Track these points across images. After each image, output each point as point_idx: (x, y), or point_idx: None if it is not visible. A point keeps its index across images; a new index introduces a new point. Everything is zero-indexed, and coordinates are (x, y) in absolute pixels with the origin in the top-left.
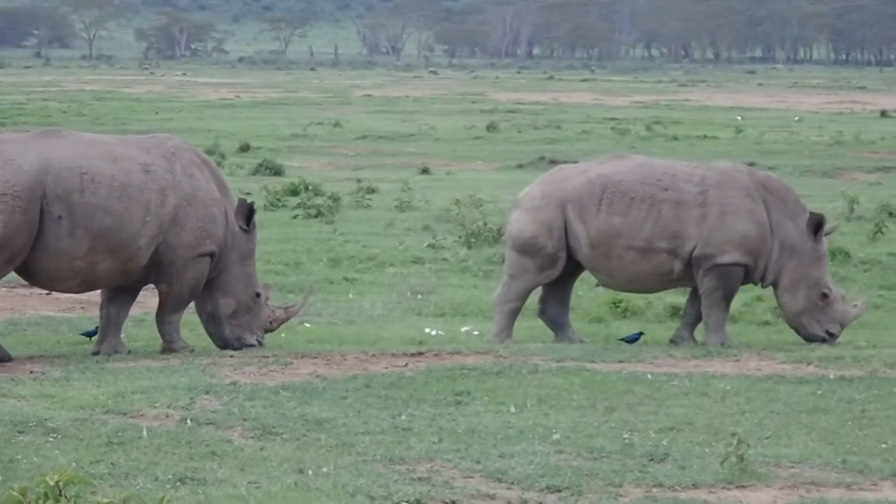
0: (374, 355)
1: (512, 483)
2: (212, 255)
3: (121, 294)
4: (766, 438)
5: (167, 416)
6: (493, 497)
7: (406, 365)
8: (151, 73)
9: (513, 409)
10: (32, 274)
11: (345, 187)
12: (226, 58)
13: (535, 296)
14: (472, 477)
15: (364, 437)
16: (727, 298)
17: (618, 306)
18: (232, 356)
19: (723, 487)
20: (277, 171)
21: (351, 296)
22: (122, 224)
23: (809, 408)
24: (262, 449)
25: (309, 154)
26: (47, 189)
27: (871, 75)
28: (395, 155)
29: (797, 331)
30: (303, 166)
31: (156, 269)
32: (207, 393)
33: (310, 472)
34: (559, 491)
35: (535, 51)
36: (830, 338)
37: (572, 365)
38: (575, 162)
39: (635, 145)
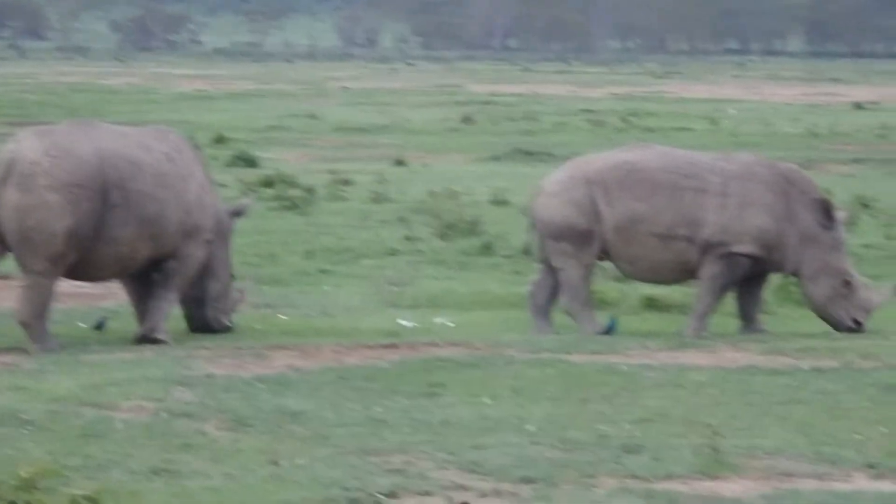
0: (348, 347)
1: (486, 474)
2: (211, 242)
3: (145, 285)
4: (741, 429)
5: (141, 408)
6: (467, 488)
7: (381, 357)
8: (126, 64)
9: (487, 401)
10: (78, 263)
11: (320, 179)
12: (201, 49)
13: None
14: (446, 468)
15: (338, 428)
16: (725, 289)
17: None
18: (206, 348)
19: (697, 478)
20: (252, 163)
21: (326, 288)
22: (163, 211)
23: (784, 399)
24: (236, 441)
25: (284, 146)
26: (106, 177)
27: (846, 67)
28: (370, 147)
29: (825, 319)
30: (278, 158)
31: (170, 255)
32: (182, 385)
33: (284, 463)
34: (533, 482)
35: (512, 43)
36: (858, 326)
37: (547, 356)
38: (550, 154)
39: (612, 137)
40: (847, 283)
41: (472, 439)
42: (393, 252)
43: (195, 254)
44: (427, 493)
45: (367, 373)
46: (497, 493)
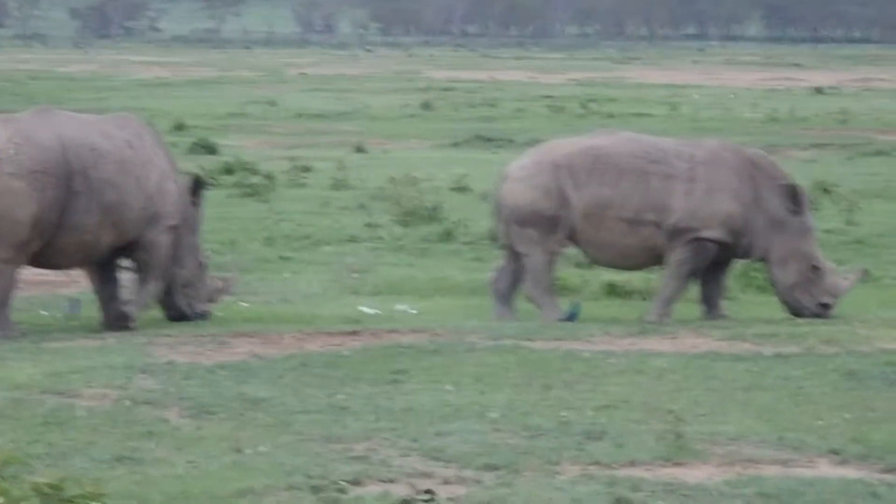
0: (310, 334)
1: (449, 461)
2: (175, 227)
3: (108, 273)
4: (703, 416)
5: (104, 396)
6: (430, 475)
7: (342, 344)
8: (85, 52)
9: (449, 388)
10: (41, 250)
11: (280, 166)
12: (160, 36)
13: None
14: (409, 455)
15: (301, 416)
16: (692, 274)
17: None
18: (168, 335)
19: (659, 465)
20: (212, 150)
21: (287, 275)
22: (124, 198)
23: (746, 385)
24: (199, 428)
25: (244, 133)
26: (70, 165)
27: (806, 52)
28: (330, 133)
29: (788, 305)
30: (238, 145)
31: (134, 243)
32: (144, 372)
33: (247, 451)
34: (496, 469)
35: (470, 28)
36: (824, 309)
37: (509, 343)
38: (510, 140)
39: (571, 123)
40: (815, 269)
41: (435, 426)
42: (353, 239)
43: (160, 240)
44: (390, 481)
45: (329, 360)
46: (460, 480)
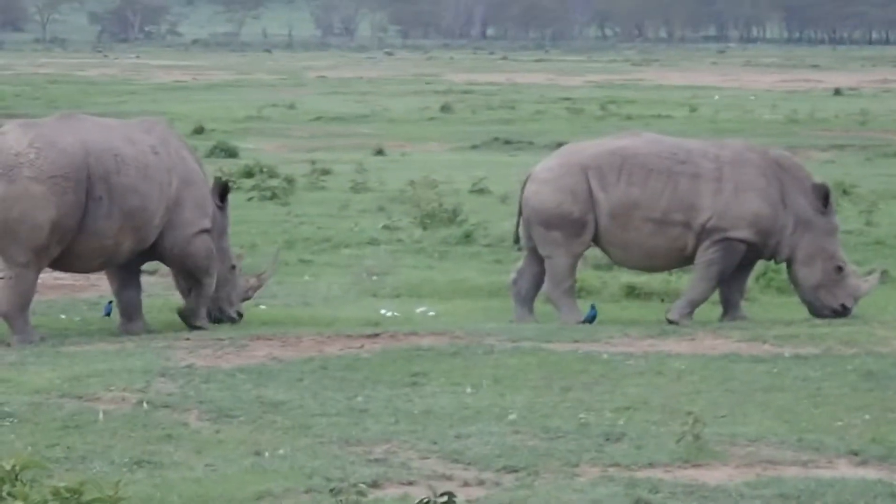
0: (329, 337)
1: (468, 463)
2: (208, 230)
3: (131, 276)
4: (722, 417)
5: (123, 400)
6: (449, 478)
7: (362, 346)
8: (105, 55)
9: (469, 390)
10: (62, 254)
11: (299, 169)
12: (179, 40)
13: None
14: (428, 458)
15: (320, 418)
16: (721, 275)
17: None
18: (187, 339)
19: (679, 466)
20: (232, 154)
21: (306, 277)
22: (146, 204)
23: (765, 386)
24: (218, 431)
25: (263, 136)
26: (91, 170)
27: (825, 53)
28: (349, 136)
29: (811, 305)
30: (257, 148)
31: (158, 249)
32: (163, 376)
33: (266, 454)
34: (516, 471)
35: (489, 31)
36: (845, 311)
37: (528, 345)
38: (529, 142)
39: (590, 125)
40: (839, 269)
41: (455, 429)
42: (373, 241)
43: (191, 246)
44: (409, 483)
45: (349, 362)
46: (480, 483)
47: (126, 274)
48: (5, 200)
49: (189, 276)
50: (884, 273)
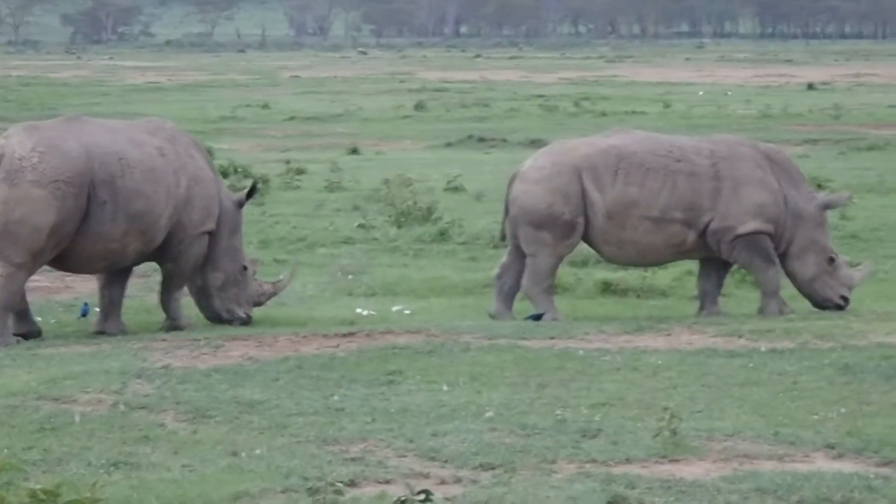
0: (305, 336)
1: (445, 461)
2: (211, 232)
3: (120, 275)
4: (699, 412)
5: (99, 401)
6: (426, 476)
7: (338, 345)
8: (78, 57)
9: (445, 388)
10: (65, 256)
11: (274, 169)
12: (153, 41)
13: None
14: (405, 456)
15: (297, 418)
16: (769, 261)
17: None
18: (164, 340)
19: (656, 462)
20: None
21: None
22: (152, 206)
23: (741, 381)
24: (194, 432)
25: (237, 136)
26: (94, 174)
27: (798, 48)
28: (323, 136)
29: (810, 297)
30: (231, 148)
31: (164, 249)
32: (139, 377)
33: (243, 454)
34: (493, 468)
35: (463, 29)
36: (844, 302)
37: (504, 342)
38: (503, 140)
39: (564, 122)
40: (831, 261)
41: (431, 427)
42: (348, 240)
43: (190, 250)
44: (386, 482)
45: (325, 362)
46: (457, 480)
47: (115, 271)
48: (7, 203)
49: (169, 278)
50: (874, 264)
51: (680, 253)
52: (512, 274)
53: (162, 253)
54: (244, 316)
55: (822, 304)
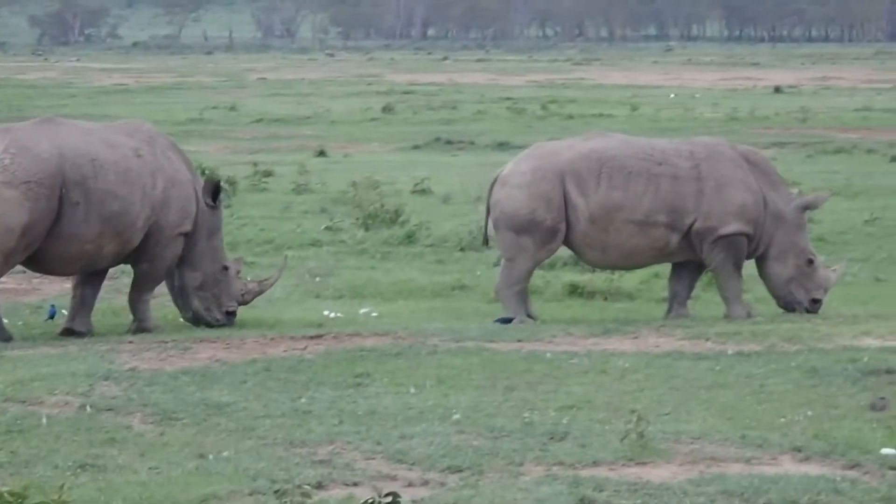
0: (273, 339)
1: (413, 464)
2: (187, 234)
3: (94, 276)
4: (666, 415)
5: (66, 403)
6: (394, 478)
7: (305, 348)
8: (45, 59)
9: (413, 390)
10: (40, 258)
11: (241, 171)
12: (120, 43)
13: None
14: (373, 458)
15: (264, 420)
16: (738, 267)
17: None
18: (131, 342)
19: (623, 464)
20: None
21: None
22: (127, 208)
23: (708, 383)
24: (162, 434)
25: (205, 138)
26: (66, 176)
27: (765, 51)
28: (291, 138)
29: (782, 299)
30: (199, 150)
31: (140, 250)
32: (107, 379)
33: (210, 456)
34: (460, 471)
35: (430, 32)
36: (815, 305)
37: (471, 345)
38: (471, 142)
39: (532, 125)
40: (810, 262)
41: (399, 429)
42: (315, 243)
43: (165, 252)
44: (354, 484)
45: (292, 364)
46: (424, 483)
47: (95, 275)
48: None
49: (141, 277)
50: (846, 264)
51: (662, 256)
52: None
53: (137, 254)
54: (220, 316)
55: (792, 306)
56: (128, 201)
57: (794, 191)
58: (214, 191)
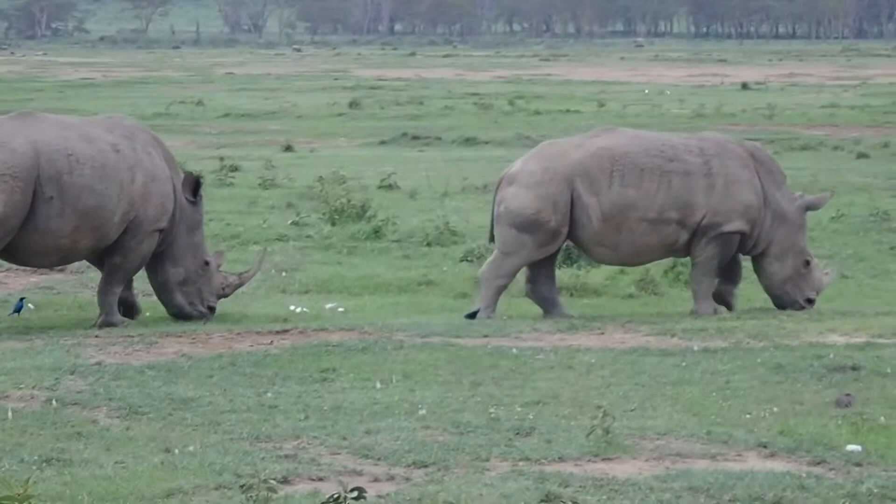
0: (239, 333)
1: (378, 459)
2: (163, 230)
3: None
4: (632, 411)
5: (32, 398)
6: (359, 473)
7: (271, 342)
8: (12, 53)
9: (378, 386)
10: (15, 251)
11: (208, 165)
12: (87, 37)
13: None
14: (338, 453)
15: (230, 415)
16: (721, 266)
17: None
18: (97, 336)
19: (589, 460)
20: None
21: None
22: (103, 203)
23: (674, 379)
24: (128, 428)
25: (172, 133)
26: (41, 170)
27: (731, 48)
28: (257, 133)
29: (779, 298)
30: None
31: (117, 243)
32: (72, 373)
33: (176, 450)
34: (426, 466)
35: (397, 27)
36: (809, 304)
37: (437, 340)
38: (438, 138)
39: (499, 120)
40: (807, 263)
41: (364, 424)
42: (282, 238)
43: (140, 247)
44: (320, 479)
45: (258, 359)
46: (390, 478)
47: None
48: None
49: (113, 271)
50: (838, 269)
51: (670, 252)
52: (542, 281)
53: (114, 247)
54: (207, 310)
55: (788, 305)
56: (105, 196)
57: (797, 194)
58: (195, 186)
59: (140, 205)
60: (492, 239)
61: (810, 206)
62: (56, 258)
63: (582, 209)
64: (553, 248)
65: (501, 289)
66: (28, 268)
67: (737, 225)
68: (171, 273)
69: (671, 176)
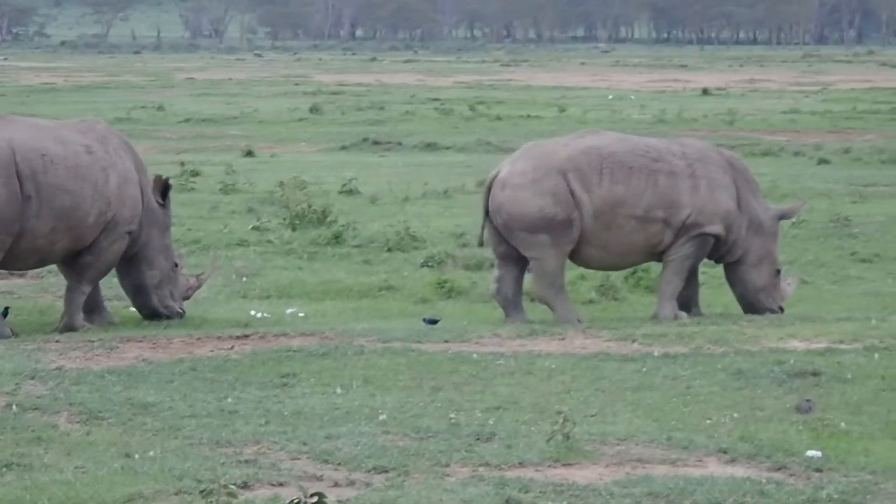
0: (199, 338)
1: (339, 464)
2: (131, 232)
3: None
4: (592, 416)
5: None
6: (320, 478)
7: (232, 348)
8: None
9: (339, 391)
10: None
11: (169, 170)
12: (48, 42)
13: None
14: (299, 458)
15: (190, 420)
16: (692, 268)
17: (443, 286)
18: (57, 341)
19: (549, 466)
20: None
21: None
22: (78, 203)
23: (634, 385)
24: (88, 433)
25: (132, 138)
26: (18, 169)
27: (692, 53)
28: (218, 138)
29: (752, 306)
30: None
31: (91, 244)
32: (33, 378)
33: (136, 455)
34: (386, 471)
35: (359, 32)
36: (781, 312)
37: (398, 345)
38: (399, 143)
39: (459, 126)
40: (777, 272)
41: (325, 429)
42: (242, 243)
43: (112, 247)
44: (280, 484)
45: (219, 364)
46: (350, 483)
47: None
48: None
49: (83, 271)
50: (800, 278)
51: (652, 254)
52: (509, 283)
53: (86, 247)
54: (180, 311)
55: (760, 312)
56: (79, 196)
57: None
58: (164, 189)
59: (116, 205)
60: (480, 244)
61: (784, 216)
62: (33, 260)
63: (577, 205)
64: (574, 235)
65: (563, 288)
66: (4, 270)
67: (716, 228)
68: (147, 275)
69: (658, 175)
